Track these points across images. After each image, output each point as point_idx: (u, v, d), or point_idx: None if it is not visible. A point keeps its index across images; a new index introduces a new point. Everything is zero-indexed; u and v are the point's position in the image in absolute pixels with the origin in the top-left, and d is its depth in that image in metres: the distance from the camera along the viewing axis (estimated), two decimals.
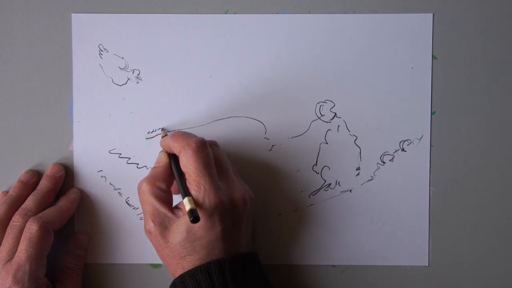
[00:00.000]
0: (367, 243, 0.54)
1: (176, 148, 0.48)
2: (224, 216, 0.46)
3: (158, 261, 0.54)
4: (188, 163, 0.46)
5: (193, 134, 0.49)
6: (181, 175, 0.48)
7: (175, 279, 0.47)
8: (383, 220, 0.54)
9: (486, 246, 0.55)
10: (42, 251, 0.49)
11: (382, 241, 0.54)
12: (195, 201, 0.45)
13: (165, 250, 0.47)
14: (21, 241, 0.48)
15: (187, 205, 0.45)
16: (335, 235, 0.54)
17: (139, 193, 0.49)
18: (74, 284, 0.52)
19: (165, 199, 0.48)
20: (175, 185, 0.50)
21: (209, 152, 0.47)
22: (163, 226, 0.47)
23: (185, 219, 0.46)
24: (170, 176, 0.49)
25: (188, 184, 0.47)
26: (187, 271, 0.46)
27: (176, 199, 0.50)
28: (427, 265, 0.54)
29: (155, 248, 0.49)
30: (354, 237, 0.54)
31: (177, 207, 0.48)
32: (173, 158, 0.50)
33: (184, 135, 0.49)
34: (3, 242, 0.50)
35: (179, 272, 0.47)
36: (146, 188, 0.48)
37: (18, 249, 0.48)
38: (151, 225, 0.47)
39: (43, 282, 0.49)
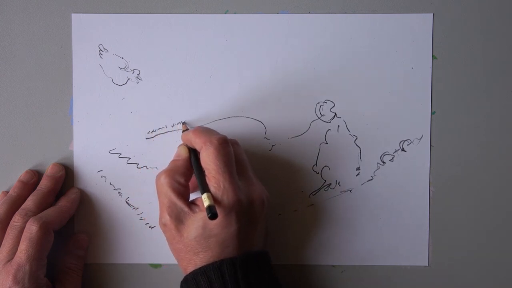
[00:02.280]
0: (367, 243, 0.54)
1: (197, 144, 0.48)
2: (241, 215, 0.46)
3: (158, 261, 0.54)
4: (209, 160, 0.46)
5: (215, 131, 0.49)
6: (201, 170, 0.48)
7: (187, 275, 0.47)
8: (383, 220, 0.54)
9: (486, 246, 0.55)
10: (42, 251, 0.49)
11: (382, 241, 0.54)
12: (213, 198, 0.45)
13: (179, 245, 0.47)
14: (21, 241, 0.48)
15: (205, 201, 0.45)
16: (335, 235, 0.54)
17: (157, 185, 0.49)
18: (74, 284, 0.52)
19: (183, 193, 0.48)
20: (193, 181, 0.50)
21: (230, 150, 0.47)
22: (179, 220, 0.47)
23: (202, 215, 0.46)
24: (189, 170, 0.49)
25: (207, 181, 0.47)
26: (200, 268, 0.46)
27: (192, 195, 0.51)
28: (427, 265, 0.54)
29: (169, 242, 0.49)
30: (354, 237, 0.54)
31: (193, 202, 0.48)
32: (193, 153, 0.50)
33: (206, 131, 0.49)
34: (3, 242, 0.50)
35: (191, 268, 0.47)
36: (164, 180, 0.48)
37: (18, 249, 0.48)
38: (166, 218, 0.47)
39: (43, 282, 0.49)
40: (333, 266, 0.55)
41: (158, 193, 0.48)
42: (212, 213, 0.44)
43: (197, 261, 0.47)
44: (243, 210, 0.47)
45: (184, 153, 0.50)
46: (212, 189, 0.46)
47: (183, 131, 0.52)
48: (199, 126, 0.51)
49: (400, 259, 0.54)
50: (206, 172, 0.47)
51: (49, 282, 0.50)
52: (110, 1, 0.53)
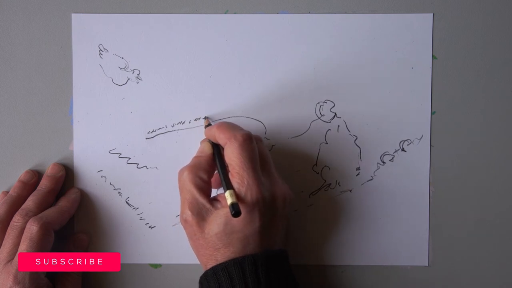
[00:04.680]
0: (367, 243, 0.54)
1: (221, 139, 0.48)
2: (264, 212, 0.46)
3: (158, 261, 0.54)
4: (233, 156, 0.46)
5: (240, 127, 0.49)
6: (224, 167, 0.48)
7: (207, 271, 0.47)
8: (383, 220, 0.54)
9: (486, 246, 0.55)
10: (42, 251, 0.49)
11: (382, 241, 0.54)
12: (236, 195, 0.45)
13: (200, 241, 0.47)
14: (21, 241, 0.48)
15: (228, 198, 0.45)
16: (335, 235, 0.54)
17: (179, 180, 0.48)
18: (74, 284, 0.52)
19: (205, 190, 0.48)
20: (215, 178, 0.49)
21: (254, 147, 0.47)
22: (200, 216, 0.47)
23: (224, 211, 0.46)
24: (212, 167, 0.49)
25: (230, 177, 0.46)
26: (220, 264, 0.46)
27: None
28: (427, 265, 0.54)
29: (189, 237, 0.49)
30: (354, 237, 0.54)
31: (215, 198, 0.48)
32: (216, 149, 0.49)
33: (231, 127, 0.48)
34: (3, 243, 0.50)
35: (211, 263, 0.47)
36: (187, 176, 0.48)
37: (18, 249, 0.48)
38: (188, 214, 0.47)
39: (44, 282, 0.49)
40: (333, 266, 0.55)
41: (180, 189, 0.48)
42: (235, 211, 0.44)
43: (218, 256, 0.47)
44: (266, 207, 0.46)
45: (208, 149, 0.50)
46: (235, 185, 0.46)
47: (205, 126, 0.52)
48: (223, 121, 0.51)
49: (400, 259, 0.54)
50: (230, 168, 0.47)
51: (49, 282, 0.50)
52: (110, 1, 0.53)
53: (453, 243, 0.55)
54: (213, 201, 0.47)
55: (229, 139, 0.47)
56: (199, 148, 0.51)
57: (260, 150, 0.48)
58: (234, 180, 0.46)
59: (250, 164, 0.46)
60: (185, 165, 0.49)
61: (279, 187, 0.48)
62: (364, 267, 0.54)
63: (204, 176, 0.48)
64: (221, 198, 0.47)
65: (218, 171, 0.48)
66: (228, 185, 0.46)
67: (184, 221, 0.48)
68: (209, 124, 0.52)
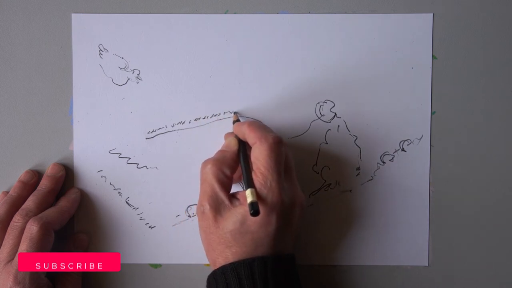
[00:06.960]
0: (367, 243, 0.54)
1: (251, 138, 0.48)
2: (281, 216, 0.46)
3: (158, 261, 0.54)
4: (261, 156, 0.46)
5: (270, 128, 0.49)
6: (248, 165, 0.48)
7: (215, 270, 0.47)
8: (383, 220, 0.54)
9: (486, 246, 0.55)
10: (42, 252, 0.49)
11: (382, 241, 0.54)
12: (257, 194, 0.45)
13: (213, 235, 0.47)
14: (21, 241, 0.48)
15: (249, 196, 0.45)
16: (335, 235, 0.54)
17: (201, 172, 0.48)
18: (74, 284, 0.52)
19: (226, 185, 0.48)
20: (237, 174, 0.49)
21: (283, 151, 0.47)
22: (218, 211, 0.47)
23: (241, 209, 0.46)
24: (236, 163, 0.49)
25: (254, 176, 0.46)
26: (230, 264, 0.46)
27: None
28: (427, 265, 0.55)
29: (202, 230, 0.48)
30: (354, 237, 0.54)
31: (234, 196, 0.48)
32: (242, 146, 0.49)
33: (262, 127, 0.49)
34: (3, 243, 0.50)
35: (220, 260, 0.47)
36: (211, 169, 0.48)
37: (18, 249, 0.48)
38: (206, 207, 0.47)
39: (44, 283, 0.49)
40: (333, 265, 0.55)
41: (202, 180, 0.48)
42: (254, 210, 0.44)
43: (228, 254, 0.47)
44: (284, 211, 0.46)
45: (234, 145, 0.50)
46: (257, 185, 0.46)
47: (234, 121, 0.52)
48: (254, 121, 0.51)
49: (400, 259, 0.54)
50: (254, 167, 0.47)
51: (50, 282, 0.50)
52: (110, 1, 0.53)
53: (453, 243, 0.55)
54: (232, 198, 0.47)
55: (259, 139, 0.47)
56: (224, 142, 0.51)
57: (286, 155, 0.48)
58: (257, 180, 0.46)
59: (276, 167, 0.46)
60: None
61: (298, 194, 0.48)
62: (364, 267, 0.54)
63: (227, 172, 0.48)
64: (240, 196, 0.47)
65: (242, 169, 0.48)
66: (250, 184, 0.46)
67: (202, 213, 0.48)
68: (237, 120, 0.52)
